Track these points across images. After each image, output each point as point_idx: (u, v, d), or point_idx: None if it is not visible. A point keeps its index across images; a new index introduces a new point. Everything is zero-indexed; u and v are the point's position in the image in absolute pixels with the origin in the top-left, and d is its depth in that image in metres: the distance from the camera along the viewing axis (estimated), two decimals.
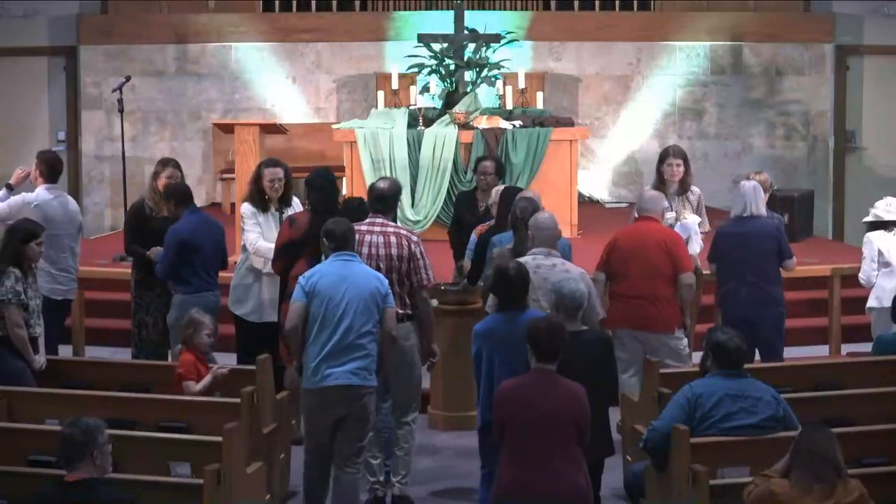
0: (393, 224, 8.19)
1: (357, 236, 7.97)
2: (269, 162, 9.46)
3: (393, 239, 8.04)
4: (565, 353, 6.62)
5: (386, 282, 7.52)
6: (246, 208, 9.38)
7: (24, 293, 7.95)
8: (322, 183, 8.80)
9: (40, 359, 8.10)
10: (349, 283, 7.33)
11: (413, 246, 8.05)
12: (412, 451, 8.34)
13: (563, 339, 6.51)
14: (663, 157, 9.86)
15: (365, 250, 7.99)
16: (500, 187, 9.86)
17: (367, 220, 8.17)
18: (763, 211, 9.39)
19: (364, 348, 7.33)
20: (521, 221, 8.22)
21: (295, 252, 8.62)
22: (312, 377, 7.32)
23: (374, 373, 7.46)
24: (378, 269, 7.91)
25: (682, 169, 9.78)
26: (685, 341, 8.98)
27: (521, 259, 7.70)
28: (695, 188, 9.98)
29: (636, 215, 9.23)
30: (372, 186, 8.37)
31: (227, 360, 9.50)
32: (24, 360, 7.97)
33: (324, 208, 8.62)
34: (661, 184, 9.80)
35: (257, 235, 9.21)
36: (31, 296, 8.04)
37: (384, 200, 8.19)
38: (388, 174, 12.47)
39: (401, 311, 7.99)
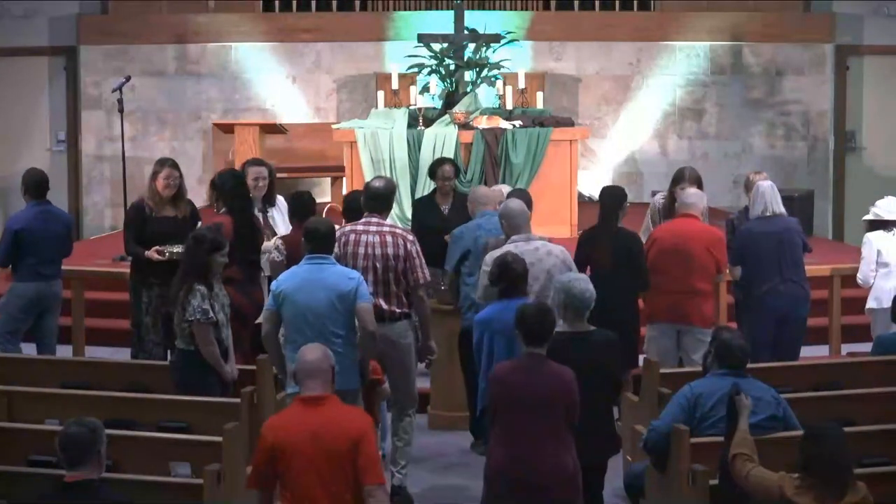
0: (388, 223, 8.21)
1: (353, 236, 8.03)
2: (252, 161, 9.68)
3: (389, 238, 8.05)
4: (572, 354, 6.76)
5: (357, 278, 7.47)
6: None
7: (211, 309, 7.71)
8: (232, 184, 8.94)
9: (231, 369, 7.93)
10: (317, 287, 7.31)
11: (409, 245, 8.06)
12: (412, 441, 8.39)
13: (552, 323, 6.64)
14: (678, 179, 9.75)
15: (361, 250, 8.00)
16: (505, 187, 9.86)
17: (363, 220, 8.18)
18: (783, 209, 9.43)
19: (336, 352, 7.03)
20: None
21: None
22: (292, 381, 7.25)
23: (358, 374, 7.47)
24: (375, 268, 7.96)
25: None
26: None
27: (505, 247, 7.98)
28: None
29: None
30: (367, 185, 8.41)
31: None
32: (215, 373, 7.77)
33: (240, 208, 8.80)
34: (671, 203, 9.71)
35: None
36: (218, 309, 7.79)
37: (379, 199, 8.20)
38: (388, 174, 12.46)
39: (398, 311, 8.04)
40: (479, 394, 7.51)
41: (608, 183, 15.69)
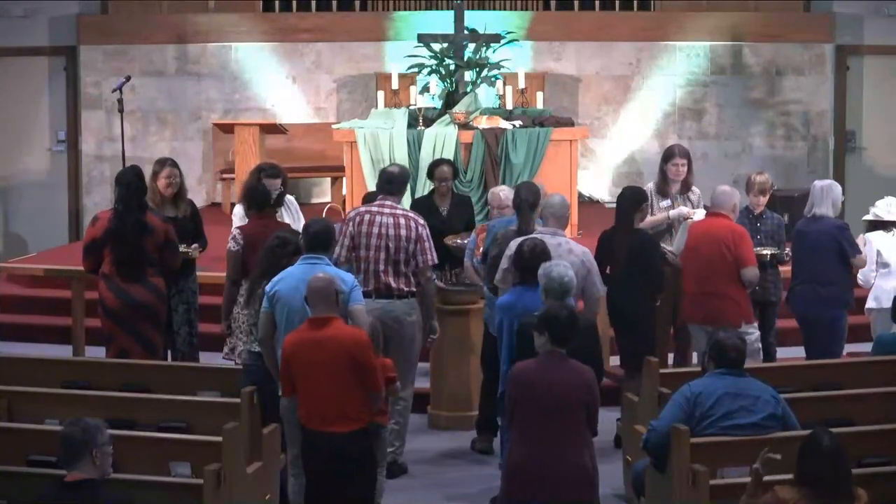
0: (401, 207, 8.69)
1: (368, 216, 8.51)
2: (270, 172, 9.42)
3: (402, 220, 8.53)
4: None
5: (349, 280, 7.59)
6: (237, 211, 9.66)
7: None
8: (129, 180, 9.06)
9: None
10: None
11: (420, 228, 8.54)
12: (406, 424, 8.73)
13: (578, 326, 6.77)
14: (668, 156, 9.91)
15: (375, 230, 8.48)
16: (504, 187, 9.85)
17: (377, 202, 8.66)
18: (828, 211, 9.41)
19: None
20: (525, 203, 8.64)
21: (99, 250, 8.96)
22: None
23: None
24: (387, 248, 8.43)
25: (685, 168, 9.85)
26: (755, 335, 9.12)
27: (531, 236, 8.13)
28: (695, 188, 10.03)
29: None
30: (383, 170, 8.89)
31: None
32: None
33: (125, 205, 8.94)
34: (663, 182, 9.87)
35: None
36: None
37: (394, 182, 8.69)
38: None
39: (405, 289, 8.50)
40: (501, 376, 7.69)
41: (608, 183, 15.77)
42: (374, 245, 8.49)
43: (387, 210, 8.56)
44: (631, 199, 9.22)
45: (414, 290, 8.55)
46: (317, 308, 6.94)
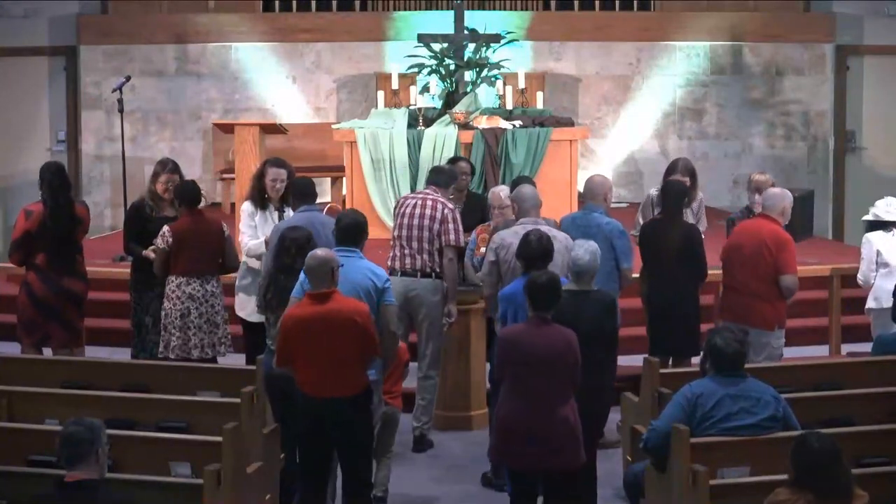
0: (434, 194, 9.14)
1: (403, 201, 9.26)
2: (274, 161, 9.70)
3: (429, 203, 9.07)
4: (572, 308, 7.32)
5: (384, 278, 7.67)
6: (245, 207, 9.59)
7: None
8: (48, 175, 9.29)
9: None
10: (344, 280, 7.38)
11: (446, 211, 9.03)
12: (434, 401, 9.14)
13: (559, 292, 7.08)
14: (670, 170, 9.86)
15: (406, 211, 9.09)
16: (503, 188, 9.84)
17: (419, 191, 9.47)
18: None
19: None
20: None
21: (32, 243, 9.26)
22: None
23: (381, 367, 7.58)
24: (410, 226, 9.02)
25: (687, 185, 9.76)
26: (783, 341, 9.14)
27: (512, 228, 8.52)
28: (700, 193, 9.99)
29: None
30: (434, 166, 9.90)
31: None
32: None
33: (53, 199, 9.21)
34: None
35: (249, 237, 9.33)
36: None
37: (439, 173, 9.34)
38: (388, 174, 12.54)
39: (429, 268, 9.01)
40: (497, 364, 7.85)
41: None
42: (404, 225, 9.04)
43: (420, 195, 9.19)
44: (679, 193, 9.28)
45: (439, 271, 8.97)
46: (315, 284, 7.18)
